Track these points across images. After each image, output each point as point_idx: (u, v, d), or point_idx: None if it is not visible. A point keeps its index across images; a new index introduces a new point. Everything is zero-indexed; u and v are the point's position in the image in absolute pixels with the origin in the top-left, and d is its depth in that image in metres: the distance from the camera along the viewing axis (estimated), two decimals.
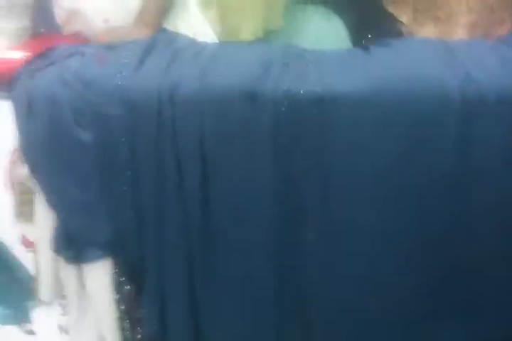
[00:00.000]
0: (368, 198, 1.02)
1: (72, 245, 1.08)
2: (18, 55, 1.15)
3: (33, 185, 1.11)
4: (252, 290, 1.08)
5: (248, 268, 1.07)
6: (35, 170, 1.10)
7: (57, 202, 1.08)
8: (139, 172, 1.04)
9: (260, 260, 1.07)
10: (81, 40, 1.20)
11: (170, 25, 1.28)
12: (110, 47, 1.11)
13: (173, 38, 1.14)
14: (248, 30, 1.30)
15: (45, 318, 1.22)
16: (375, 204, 1.02)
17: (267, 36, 1.29)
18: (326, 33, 1.43)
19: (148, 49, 1.09)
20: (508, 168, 1.00)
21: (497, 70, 1.01)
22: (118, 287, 1.11)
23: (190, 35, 1.21)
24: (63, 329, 1.20)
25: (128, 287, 1.11)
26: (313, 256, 1.05)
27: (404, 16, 1.41)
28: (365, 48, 1.11)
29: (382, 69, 1.03)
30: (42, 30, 1.30)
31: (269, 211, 1.04)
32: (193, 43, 1.14)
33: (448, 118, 0.98)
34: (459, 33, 1.34)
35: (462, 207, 1.02)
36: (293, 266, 1.06)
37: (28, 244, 1.19)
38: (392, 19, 1.49)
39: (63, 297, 1.15)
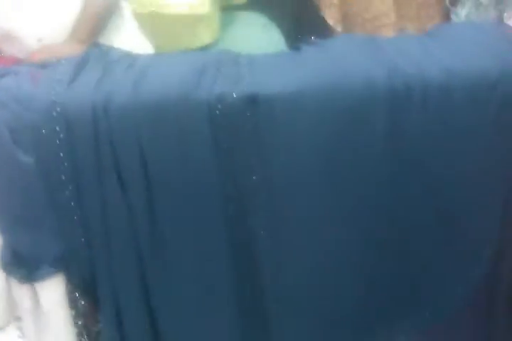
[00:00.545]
0: (308, 192, 1.04)
1: (23, 264, 1.07)
2: None
3: None
4: (208, 292, 1.09)
5: (201, 270, 1.08)
6: None
7: (3, 221, 1.07)
8: (82, 187, 1.04)
9: (212, 260, 1.07)
10: (14, 61, 1.21)
11: (106, 40, 1.29)
12: (43, 65, 1.12)
13: (105, 52, 1.15)
14: (184, 43, 1.33)
15: None
16: (316, 197, 1.04)
17: (202, 46, 1.32)
18: (261, 39, 1.46)
19: (81, 64, 1.09)
20: (434, 156, 1.03)
21: (422, 62, 1.04)
22: (74, 302, 1.11)
23: (127, 48, 1.22)
24: None
25: (83, 302, 1.11)
26: (263, 249, 1.07)
27: (331, 20, 1.46)
28: (297, 49, 1.14)
29: (312, 67, 1.05)
30: None
31: (215, 212, 1.05)
32: (125, 56, 1.15)
33: (376, 109, 1.01)
34: (388, 32, 1.40)
35: (395, 193, 1.04)
36: (246, 262, 1.08)
37: None
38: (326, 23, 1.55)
39: (18, 319, 1.14)
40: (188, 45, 1.26)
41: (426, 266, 1.09)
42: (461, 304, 1.13)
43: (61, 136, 1.02)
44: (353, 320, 1.11)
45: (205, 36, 1.33)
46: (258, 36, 1.44)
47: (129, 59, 1.13)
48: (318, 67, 1.05)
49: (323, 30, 1.51)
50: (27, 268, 1.07)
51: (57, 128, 1.02)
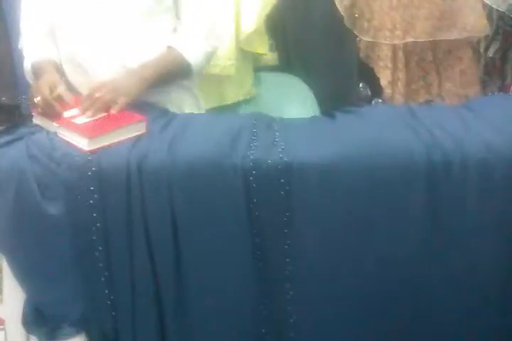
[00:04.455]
0: (339, 263, 1.03)
1: (45, 322, 1.06)
2: None
3: (1, 260, 1.09)
4: None
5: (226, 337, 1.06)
6: (2, 244, 1.08)
7: (27, 278, 1.06)
8: (112, 248, 1.03)
9: (239, 327, 1.06)
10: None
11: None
12: None
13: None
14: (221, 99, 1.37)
15: None
16: (347, 269, 1.03)
17: (239, 104, 1.35)
18: (294, 100, 1.48)
19: None
20: (477, 231, 1.02)
21: (461, 135, 1.04)
22: None
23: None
24: None
25: None
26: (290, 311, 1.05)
27: (384, 81, 1.52)
28: (332, 115, 1.15)
29: (348, 136, 1.06)
30: None
31: (244, 280, 1.04)
32: (161, 115, 1.16)
33: (415, 182, 1.00)
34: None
35: (434, 271, 1.03)
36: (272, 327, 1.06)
37: None
38: (361, 85, 1.61)
39: None
40: (224, 102, 1.31)
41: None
42: None
43: (95, 196, 1.02)
44: None
45: (238, 94, 1.39)
46: (290, 97, 1.47)
47: (165, 119, 1.14)
48: (354, 137, 1.05)
49: (358, 93, 1.57)
50: (48, 327, 1.06)
51: (92, 188, 1.02)
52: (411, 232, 1.02)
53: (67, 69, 1.26)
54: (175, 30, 1.27)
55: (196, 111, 1.30)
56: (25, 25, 1.29)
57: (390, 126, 1.07)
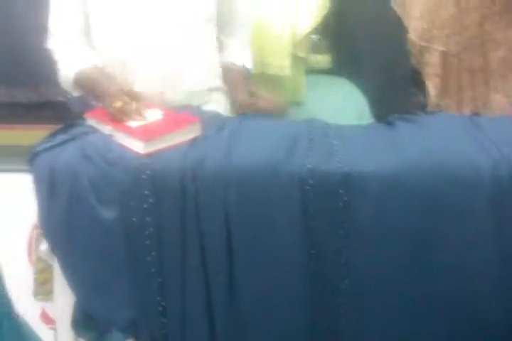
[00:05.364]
0: (394, 279, 1.00)
1: (94, 327, 1.05)
2: None
3: (53, 261, 1.09)
4: None
5: None
6: (55, 246, 1.07)
7: (78, 281, 1.06)
8: (165, 253, 1.02)
9: (291, 339, 1.03)
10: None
11: None
12: None
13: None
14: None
15: None
16: (402, 279, 1.00)
17: (290, 107, 1.33)
18: (346, 104, 1.45)
19: None
20: None
21: None
22: None
23: None
24: None
25: None
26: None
27: (433, 89, 1.48)
28: (390, 123, 1.12)
29: (410, 146, 1.02)
30: None
31: (297, 287, 1.01)
32: (215, 117, 1.14)
33: (479, 198, 0.97)
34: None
35: (497, 292, 0.99)
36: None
37: (48, 320, 1.16)
38: (414, 91, 1.57)
39: None
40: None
41: None
42: None
43: (149, 200, 1.00)
44: None
45: (290, 95, 1.39)
46: (342, 101, 1.45)
47: (219, 122, 1.12)
48: (416, 147, 1.02)
49: (411, 99, 1.54)
50: (97, 331, 1.05)
51: (146, 193, 1.00)
52: (472, 250, 0.98)
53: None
54: (218, 39, 1.32)
55: None
56: (58, 28, 1.24)
57: (454, 138, 1.03)
